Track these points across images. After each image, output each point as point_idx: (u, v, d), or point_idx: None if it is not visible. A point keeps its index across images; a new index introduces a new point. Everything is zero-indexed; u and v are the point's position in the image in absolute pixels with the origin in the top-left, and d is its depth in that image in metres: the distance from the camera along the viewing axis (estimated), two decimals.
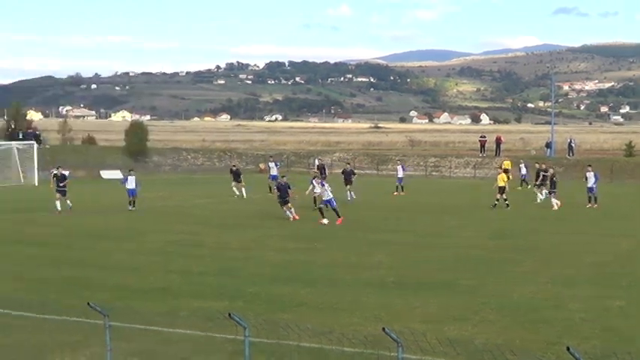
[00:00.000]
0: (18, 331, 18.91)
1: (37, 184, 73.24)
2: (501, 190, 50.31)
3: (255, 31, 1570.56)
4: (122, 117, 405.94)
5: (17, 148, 78.81)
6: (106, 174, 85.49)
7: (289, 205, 44.32)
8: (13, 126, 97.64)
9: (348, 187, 56.00)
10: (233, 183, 58.92)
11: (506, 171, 56.31)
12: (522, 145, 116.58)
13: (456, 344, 16.31)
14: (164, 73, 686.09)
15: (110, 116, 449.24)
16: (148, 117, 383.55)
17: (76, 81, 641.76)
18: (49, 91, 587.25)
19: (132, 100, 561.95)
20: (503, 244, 35.05)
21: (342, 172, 58.35)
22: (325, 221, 42.10)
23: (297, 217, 44.03)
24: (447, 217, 45.83)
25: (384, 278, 26.92)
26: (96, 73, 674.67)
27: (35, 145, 79.46)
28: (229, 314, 13.44)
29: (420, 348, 15.16)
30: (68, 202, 47.84)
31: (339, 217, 42.74)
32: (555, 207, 49.68)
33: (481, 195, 57.12)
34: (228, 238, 37.36)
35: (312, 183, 47.45)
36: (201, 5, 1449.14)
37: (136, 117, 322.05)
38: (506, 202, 49.82)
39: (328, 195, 43.41)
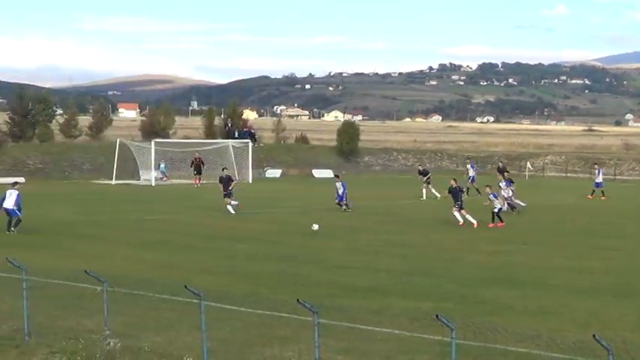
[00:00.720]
0: (230, 324, 19.42)
1: (250, 182, 75.02)
2: None
3: (467, 32, 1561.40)
4: (334, 117, 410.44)
5: (233, 147, 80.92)
6: (317, 173, 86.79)
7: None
8: (230, 125, 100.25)
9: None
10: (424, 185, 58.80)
11: None
12: None
13: None
14: (376, 74, 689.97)
15: (323, 116, 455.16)
16: (359, 117, 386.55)
17: (290, 81, 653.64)
18: (265, 91, 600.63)
19: (344, 101, 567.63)
20: None
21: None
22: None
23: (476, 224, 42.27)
24: None
25: (597, 284, 26.29)
26: (310, 74, 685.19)
27: (250, 144, 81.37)
28: (437, 315, 13.43)
29: (632, 357, 14.74)
30: (233, 202, 47.00)
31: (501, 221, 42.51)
32: None
33: None
34: (436, 238, 37.32)
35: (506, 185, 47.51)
36: (414, 6, 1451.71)
37: (348, 117, 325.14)
38: None
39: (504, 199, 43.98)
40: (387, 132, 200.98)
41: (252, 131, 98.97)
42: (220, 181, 46.89)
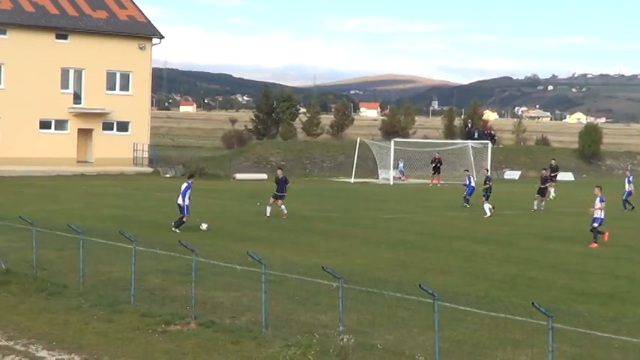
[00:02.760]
0: (463, 325, 19.39)
1: None
2: None
3: None
4: (577, 119, 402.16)
5: (472, 147, 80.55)
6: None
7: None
8: (470, 125, 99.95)
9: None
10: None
11: None
12: None
13: None
14: (622, 75, 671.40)
15: (565, 118, 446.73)
16: (603, 119, 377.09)
17: (532, 82, 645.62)
18: (506, 92, 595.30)
19: (587, 102, 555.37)
20: None
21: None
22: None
23: None
24: None
25: None
26: (553, 75, 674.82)
27: (490, 145, 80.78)
28: None
29: None
30: (283, 207, 42.72)
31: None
32: None
33: None
34: None
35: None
36: None
37: (591, 119, 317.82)
38: None
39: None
40: (631, 135, 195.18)
41: (492, 132, 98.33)
42: (276, 182, 44.11)
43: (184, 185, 36.79)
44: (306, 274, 22.82)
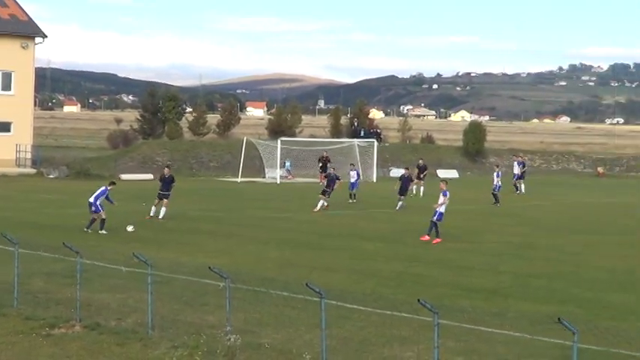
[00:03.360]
0: (350, 323, 19.51)
1: (375, 181, 75.08)
2: None
3: (598, 32, 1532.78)
4: (461, 117, 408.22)
5: (359, 146, 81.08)
6: (442, 173, 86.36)
7: None
8: (356, 124, 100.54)
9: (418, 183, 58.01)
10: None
11: None
12: None
13: None
14: (505, 74, 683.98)
15: (449, 116, 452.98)
16: (486, 117, 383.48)
17: (417, 81, 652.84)
18: (392, 91, 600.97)
19: (471, 101, 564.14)
20: None
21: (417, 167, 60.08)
22: None
23: None
24: None
25: None
26: (437, 73, 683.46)
27: (375, 143, 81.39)
28: (559, 318, 13.26)
29: None
30: (164, 209, 42.26)
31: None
32: None
33: None
34: (561, 241, 36.79)
35: None
36: (544, 5, 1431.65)
37: (475, 117, 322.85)
38: None
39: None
40: (514, 133, 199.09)
41: (378, 131, 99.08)
42: (161, 180, 44.42)
43: (101, 189, 37.08)
44: (192, 274, 22.71)
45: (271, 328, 19.16)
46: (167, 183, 42.34)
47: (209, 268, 18.51)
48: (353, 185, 53.77)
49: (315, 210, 46.24)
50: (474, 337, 18.40)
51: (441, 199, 35.88)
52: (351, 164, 60.36)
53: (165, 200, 42.01)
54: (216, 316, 19.82)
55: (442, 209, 35.73)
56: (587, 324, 17.40)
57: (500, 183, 53.90)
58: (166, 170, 44.02)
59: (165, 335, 18.40)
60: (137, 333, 18.69)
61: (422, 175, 60.46)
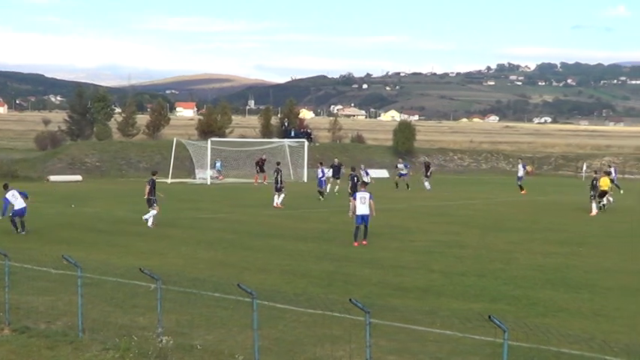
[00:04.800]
0: (282, 323, 19.50)
1: (306, 181, 75.14)
2: None
3: (526, 32, 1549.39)
4: (391, 117, 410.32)
5: (289, 146, 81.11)
6: (373, 173, 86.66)
7: None
8: (286, 124, 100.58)
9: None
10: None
11: None
12: None
13: None
14: (434, 74, 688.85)
15: (379, 116, 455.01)
16: (416, 117, 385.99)
17: (347, 81, 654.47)
18: (322, 91, 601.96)
19: (401, 100, 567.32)
20: None
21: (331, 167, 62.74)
22: None
23: None
24: None
25: None
26: (367, 73, 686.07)
27: (306, 143, 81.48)
28: (489, 316, 13.37)
29: None
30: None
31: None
32: None
33: None
34: (491, 239, 37.11)
35: None
36: (473, 6, 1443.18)
37: (405, 117, 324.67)
38: None
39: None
40: (444, 132, 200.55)
41: (309, 131, 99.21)
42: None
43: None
44: (123, 276, 22.52)
45: (203, 329, 19.07)
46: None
47: (140, 269, 18.36)
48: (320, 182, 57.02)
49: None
50: (405, 335, 18.49)
51: (371, 202, 35.60)
52: (320, 162, 62.54)
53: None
54: (148, 317, 19.67)
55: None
56: (517, 321, 17.56)
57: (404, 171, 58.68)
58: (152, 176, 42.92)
59: (96, 338, 18.20)
60: (67, 336, 18.46)
61: (428, 173, 63.70)
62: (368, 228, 35.00)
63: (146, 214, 40.12)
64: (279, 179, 50.59)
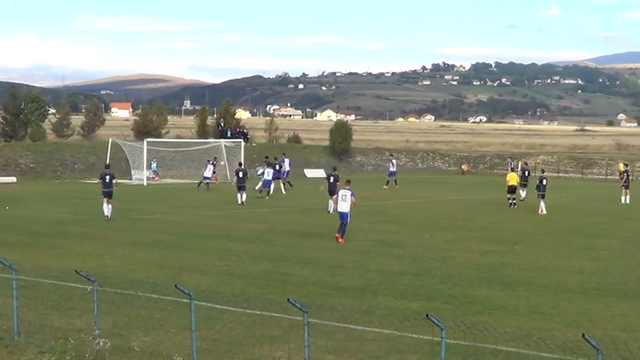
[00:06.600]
0: (220, 324, 19.45)
1: None
2: None
3: (461, 32, 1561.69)
4: (327, 117, 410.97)
5: (225, 146, 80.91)
6: (310, 172, 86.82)
7: None
8: (222, 124, 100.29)
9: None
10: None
11: None
12: None
13: None
14: (370, 74, 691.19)
15: (316, 116, 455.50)
16: (352, 117, 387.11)
17: (283, 81, 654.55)
18: (258, 91, 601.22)
19: (337, 100, 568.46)
20: None
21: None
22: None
23: None
24: None
25: (586, 284, 26.36)
26: (303, 73, 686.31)
27: (243, 144, 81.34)
28: (427, 315, 13.44)
29: (621, 357, 14.73)
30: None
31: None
32: None
33: None
34: (428, 238, 37.32)
35: None
36: (408, 6, 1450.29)
37: (341, 117, 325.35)
38: None
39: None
40: (380, 132, 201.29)
41: (245, 131, 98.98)
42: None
43: None
44: (59, 278, 22.30)
45: (141, 331, 18.94)
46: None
47: (76, 271, 18.17)
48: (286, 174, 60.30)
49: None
50: (344, 335, 18.54)
51: (352, 199, 36.23)
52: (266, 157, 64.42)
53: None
54: (84, 320, 19.50)
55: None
56: (454, 319, 17.68)
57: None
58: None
59: (32, 341, 18.00)
60: (2, 339, 18.23)
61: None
62: (346, 226, 35.74)
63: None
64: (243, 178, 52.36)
